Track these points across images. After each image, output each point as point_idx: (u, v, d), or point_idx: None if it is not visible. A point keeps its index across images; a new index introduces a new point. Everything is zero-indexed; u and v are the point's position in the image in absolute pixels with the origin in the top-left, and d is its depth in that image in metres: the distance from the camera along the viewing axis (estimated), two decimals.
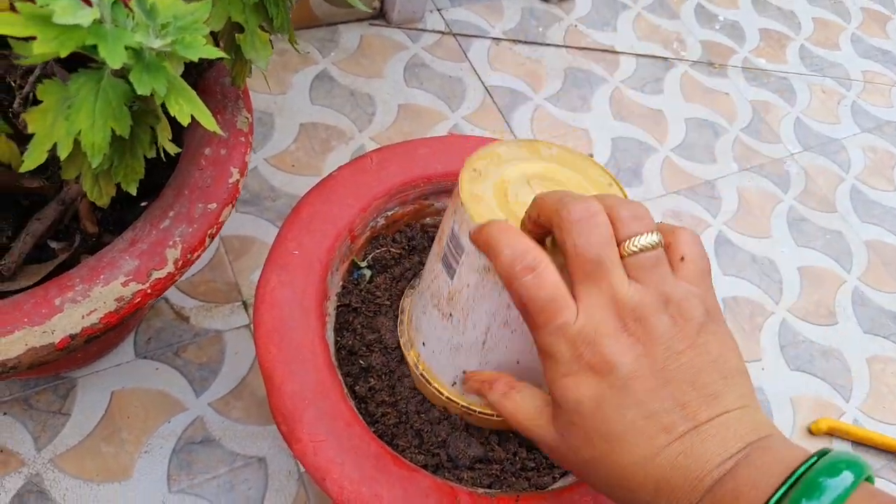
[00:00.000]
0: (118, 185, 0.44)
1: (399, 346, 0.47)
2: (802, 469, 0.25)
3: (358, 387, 0.45)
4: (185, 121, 0.30)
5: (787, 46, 1.05)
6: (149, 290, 0.38)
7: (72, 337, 0.36)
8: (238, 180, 0.43)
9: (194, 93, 0.31)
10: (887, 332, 0.77)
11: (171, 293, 0.62)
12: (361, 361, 0.46)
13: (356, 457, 0.37)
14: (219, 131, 0.32)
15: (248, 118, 0.45)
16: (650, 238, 0.28)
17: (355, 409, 0.40)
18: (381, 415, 0.44)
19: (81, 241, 0.45)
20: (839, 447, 0.62)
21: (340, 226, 0.46)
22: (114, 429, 0.55)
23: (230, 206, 0.42)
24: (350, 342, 0.46)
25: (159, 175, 0.44)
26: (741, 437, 0.27)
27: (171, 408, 0.57)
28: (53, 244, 0.44)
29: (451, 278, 0.37)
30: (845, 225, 0.86)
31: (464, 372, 0.40)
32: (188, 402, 0.57)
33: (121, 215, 0.47)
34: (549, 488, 0.41)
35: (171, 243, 0.39)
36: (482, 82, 0.87)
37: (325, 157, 0.74)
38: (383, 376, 0.46)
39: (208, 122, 0.31)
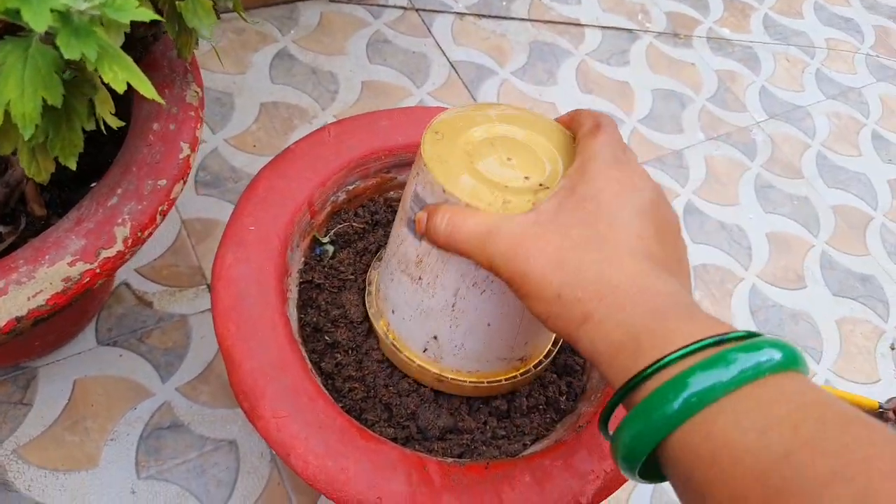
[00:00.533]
0: (64, 166, 0.43)
1: (365, 321, 0.46)
2: (731, 337, 0.25)
3: (324, 363, 0.44)
4: (120, 88, 0.29)
5: (750, 16, 1.05)
6: (97, 270, 0.36)
7: (18, 319, 0.34)
8: (189, 155, 0.42)
9: (130, 60, 0.30)
10: (855, 293, 0.78)
11: (133, 278, 0.61)
12: (327, 337, 0.45)
13: (321, 431, 0.36)
14: (158, 99, 0.30)
15: (198, 92, 0.44)
16: None
17: (320, 385, 0.40)
18: (348, 390, 0.43)
19: (28, 224, 0.43)
20: None
21: (298, 200, 0.45)
22: (78, 417, 0.54)
23: (181, 182, 0.41)
24: (314, 319, 0.45)
25: (109, 154, 0.42)
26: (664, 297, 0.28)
27: (137, 394, 0.56)
28: (0, 228, 0.43)
29: (419, 241, 0.36)
30: (812, 190, 0.87)
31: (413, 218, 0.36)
32: (154, 388, 0.56)
33: (70, 197, 0.45)
34: (520, 455, 0.41)
35: (119, 221, 0.38)
36: (447, 58, 0.85)
37: (287, 136, 0.73)
38: (350, 351, 0.45)
39: (146, 89, 0.30)
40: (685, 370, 0.25)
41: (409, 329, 0.41)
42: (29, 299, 0.35)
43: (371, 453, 0.36)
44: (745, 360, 0.24)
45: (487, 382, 0.42)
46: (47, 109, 0.30)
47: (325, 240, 0.48)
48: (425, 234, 0.34)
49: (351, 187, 0.49)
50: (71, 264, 0.36)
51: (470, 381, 0.41)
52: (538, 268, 0.29)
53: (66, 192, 0.46)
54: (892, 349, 0.74)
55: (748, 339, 0.25)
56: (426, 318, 0.39)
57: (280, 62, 0.79)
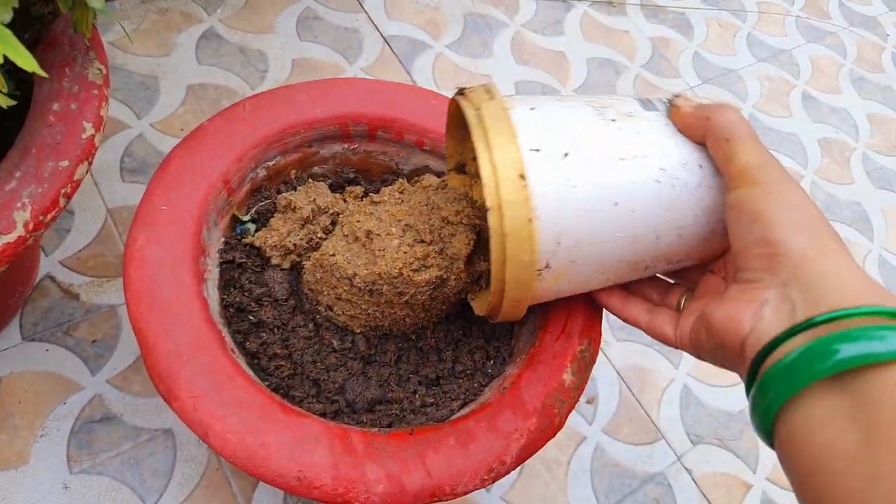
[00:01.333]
0: None
1: (291, 297, 0.46)
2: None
3: (248, 343, 0.43)
4: None
5: None
6: None
7: None
8: (93, 135, 0.40)
9: (8, 32, 0.29)
10: None
11: (58, 270, 0.59)
12: (251, 317, 0.44)
13: (239, 409, 0.36)
14: (39, 72, 0.29)
15: (101, 70, 0.43)
16: None
17: (240, 363, 0.39)
18: (274, 368, 0.43)
19: None
20: None
21: (213, 178, 0.44)
22: (4, 415, 0.52)
23: (85, 162, 0.40)
24: (238, 299, 0.45)
25: (11, 139, 0.41)
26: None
27: (66, 388, 0.54)
28: None
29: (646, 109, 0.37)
30: None
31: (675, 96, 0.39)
32: (84, 381, 0.55)
33: None
34: (446, 420, 0.41)
35: (18, 205, 0.36)
36: (380, 32, 0.84)
37: None
38: (275, 329, 0.44)
39: (25, 61, 0.29)
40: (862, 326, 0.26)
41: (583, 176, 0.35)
42: None
43: (292, 427, 0.36)
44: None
45: None
46: None
47: (246, 218, 0.47)
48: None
49: (271, 163, 0.48)
50: None
51: None
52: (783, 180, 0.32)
53: None
54: None
55: None
56: (616, 169, 0.35)
57: (206, 42, 0.77)
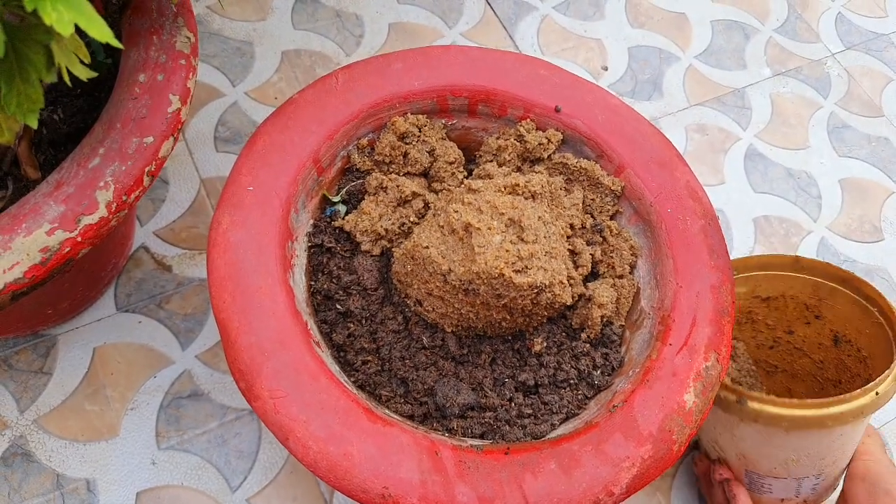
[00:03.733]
0: (54, 122, 0.40)
1: (380, 287, 0.42)
2: None
3: (335, 334, 0.40)
4: (65, 30, 0.25)
5: None
6: (79, 239, 0.33)
7: None
8: (179, 109, 0.38)
9: None
10: None
11: (152, 241, 0.59)
12: (338, 306, 0.41)
13: (322, 412, 0.33)
14: (114, 42, 0.26)
15: (189, 38, 0.40)
16: None
17: (325, 360, 0.36)
18: (361, 363, 0.40)
19: (22, 188, 0.40)
20: None
21: (303, 156, 0.41)
22: (97, 386, 0.53)
23: (171, 138, 0.37)
24: (325, 286, 0.42)
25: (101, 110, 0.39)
26: None
27: (157, 362, 0.54)
28: None
29: None
30: (893, 130, 0.77)
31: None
32: (174, 356, 0.54)
33: (65, 158, 0.42)
34: (546, 437, 0.37)
35: (101, 184, 0.34)
36: None
37: None
38: (363, 321, 0.41)
39: (99, 31, 0.26)
40: None
41: None
42: (5, 272, 0.32)
43: (378, 437, 0.33)
44: None
45: None
46: None
47: (337, 199, 0.44)
48: None
49: (364, 140, 0.45)
50: (49, 233, 0.33)
51: None
52: None
53: (61, 152, 0.43)
54: None
55: None
56: None
57: (302, 6, 0.74)
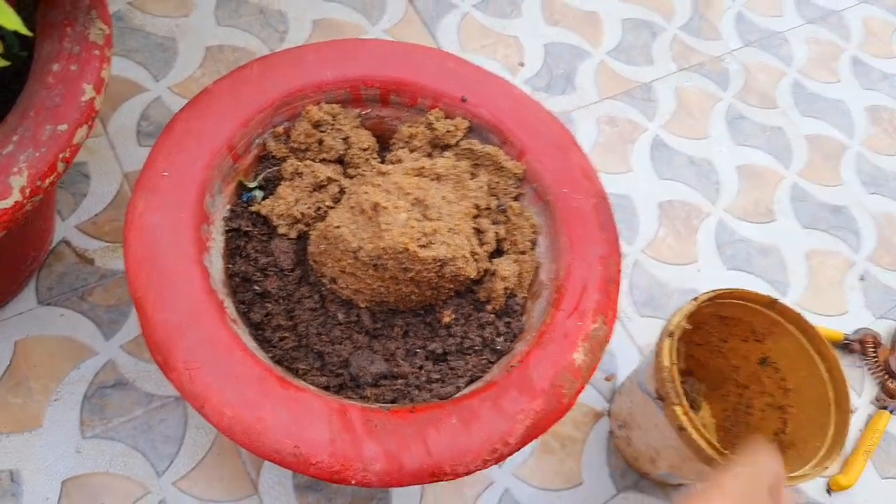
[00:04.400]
0: None
1: (296, 268, 0.44)
2: None
3: (252, 313, 0.42)
4: None
5: None
6: None
7: None
8: (93, 98, 0.39)
9: None
10: (826, 225, 0.76)
11: (73, 235, 0.59)
12: (256, 287, 0.43)
13: (237, 381, 0.35)
14: (22, 29, 0.28)
15: (103, 30, 0.41)
16: None
17: (241, 335, 0.38)
18: (278, 339, 0.42)
19: None
20: None
21: (218, 142, 0.42)
22: (20, 378, 0.53)
23: (85, 126, 0.38)
24: (243, 268, 0.44)
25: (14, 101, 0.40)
26: None
27: (80, 353, 0.54)
28: None
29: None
30: (786, 120, 0.84)
31: None
32: (97, 347, 0.55)
33: None
34: (451, 398, 0.40)
35: (15, 170, 0.35)
36: None
37: None
38: (280, 300, 0.43)
39: (7, 19, 0.27)
40: None
41: None
42: None
43: (290, 402, 0.35)
44: None
45: None
46: None
47: (254, 184, 0.46)
48: None
49: (280, 128, 0.47)
50: None
51: None
52: None
53: None
54: (862, 280, 0.73)
55: None
56: None
57: (226, 3, 0.75)
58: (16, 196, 0.35)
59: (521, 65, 0.80)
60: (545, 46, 0.82)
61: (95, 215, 0.60)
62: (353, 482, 0.34)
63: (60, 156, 0.37)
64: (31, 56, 0.41)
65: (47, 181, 0.37)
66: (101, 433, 0.52)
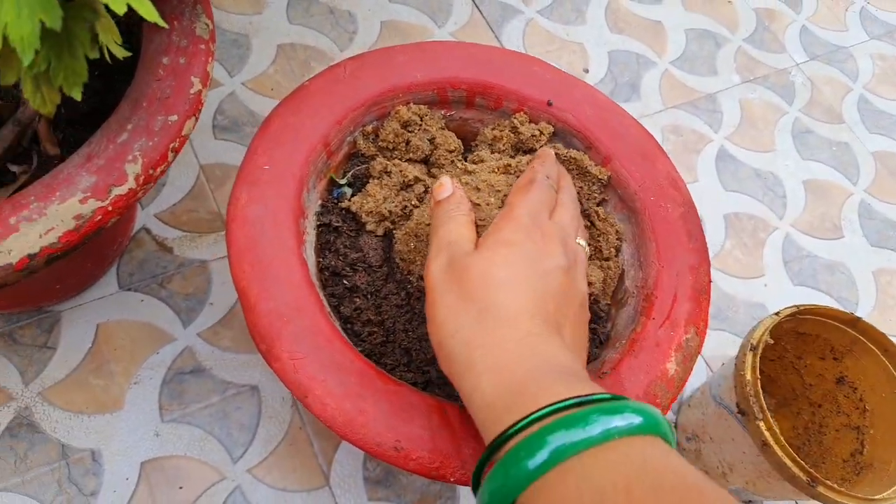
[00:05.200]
0: (75, 104, 0.41)
1: (384, 264, 0.45)
2: (595, 398, 0.27)
3: (343, 307, 0.43)
4: (119, 9, 0.27)
5: None
6: (109, 208, 0.36)
7: (30, 257, 0.34)
8: (200, 91, 0.40)
9: None
10: (894, 244, 0.75)
11: (153, 223, 0.60)
12: (345, 282, 0.44)
13: (338, 373, 0.36)
14: (160, 22, 0.29)
15: (208, 25, 0.42)
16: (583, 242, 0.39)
17: (338, 327, 0.39)
18: (367, 334, 0.43)
19: (42, 163, 0.42)
20: None
21: (314, 139, 0.43)
22: (102, 361, 0.54)
23: (193, 117, 0.39)
24: (333, 262, 0.44)
25: (120, 93, 0.41)
26: (566, 357, 0.31)
27: (159, 339, 0.56)
28: (13, 167, 0.42)
29: None
30: (852, 136, 0.82)
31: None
32: (176, 333, 0.56)
33: (82, 136, 0.44)
34: None
35: (130, 158, 0.37)
36: None
37: (305, 79, 0.71)
38: (368, 296, 0.44)
39: (147, 11, 0.28)
40: (544, 427, 0.26)
41: None
42: (41, 236, 0.34)
43: (390, 395, 0.36)
44: (603, 422, 0.25)
45: None
46: (47, 34, 0.28)
47: (343, 181, 0.47)
48: None
49: (369, 127, 0.47)
50: (82, 202, 0.35)
51: None
52: (445, 304, 0.33)
53: (79, 131, 0.45)
54: None
55: (611, 402, 0.27)
56: None
57: (297, 2, 0.76)
58: (131, 183, 0.36)
59: (586, 71, 0.80)
60: (609, 54, 0.82)
61: (174, 205, 0.62)
62: (452, 479, 0.34)
63: (171, 146, 0.38)
64: (130, 48, 0.43)
65: (159, 169, 0.38)
66: (179, 418, 0.53)
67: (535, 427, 0.26)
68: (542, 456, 0.25)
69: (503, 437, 0.27)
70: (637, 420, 0.26)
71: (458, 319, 0.32)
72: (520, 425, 0.27)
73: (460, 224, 0.36)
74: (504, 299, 0.32)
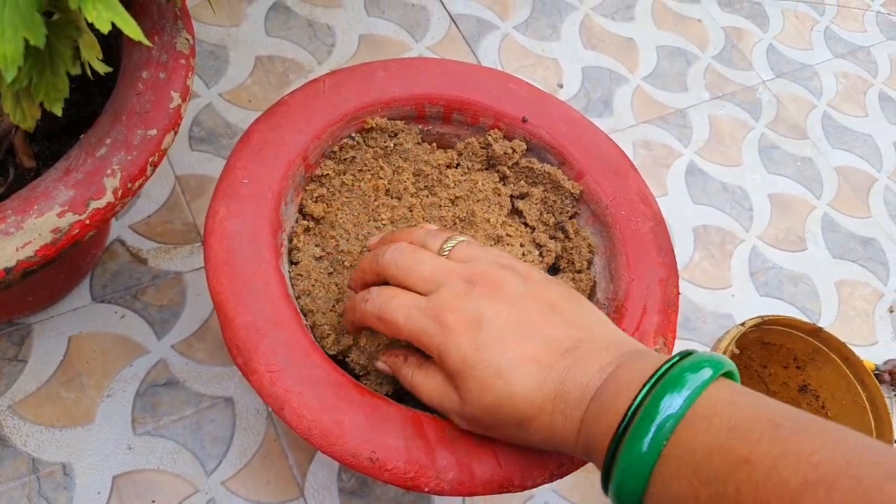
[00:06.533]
0: (53, 117, 0.41)
1: None
2: (667, 366, 0.29)
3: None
4: (104, 27, 0.27)
5: None
6: (87, 222, 0.36)
7: (6, 271, 0.34)
8: (180, 105, 0.40)
9: (115, 0, 0.29)
10: (855, 256, 0.78)
11: (127, 235, 0.60)
12: None
13: (315, 385, 0.36)
14: (145, 41, 0.29)
15: (188, 40, 0.43)
16: (456, 239, 0.37)
17: (315, 341, 0.39)
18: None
19: (17, 176, 0.42)
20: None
21: (293, 153, 0.44)
22: (73, 374, 0.54)
23: (173, 132, 0.40)
24: None
25: (98, 106, 0.41)
26: (612, 349, 0.31)
27: (132, 351, 0.55)
28: None
29: None
30: (816, 151, 0.85)
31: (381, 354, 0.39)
32: (150, 345, 0.56)
33: (59, 149, 0.44)
34: None
35: (108, 172, 0.37)
36: (447, 10, 0.83)
37: (283, 91, 0.71)
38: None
39: (131, 30, 0.28)
40: (651, 398, 0.27)
41: None
42: (17, 250, 0.34)
43: (367, 408, 0.36)
44: (695, 379, 0.27)
45: None
46: (30, 52, 0.28)
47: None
48: None
49: (347, 141, 0.48)
50: (60, 215, 0.35)
51: None
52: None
53: (55, 144, 0.45)
54: (891, 312, 0.74)
55: (686, 359, 0.29)
56: None
57: (275, 14, 0.77)
58: (109, 197, 0.37)
59: (560, 86, 0.82)
60: (583, 70, 0.84)
61: (148, 216, 0.62)
62: (427, 490, 0.35)
63: (150, 160, 0.38)
64: (109, 63, 0.43)
65: (137, 184, 0.38)
66: (153, 430, 0.53)
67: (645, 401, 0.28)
68: (658, 424, 0.27)
69: (623, 424, 0.28)
70: (709, 371, 0.28)
71: (507, 439, 0.35)
72: (634, 405, 0.28)
73: (426, 383, 0.36)
74: (520, 396, 0.32)
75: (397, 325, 0.34)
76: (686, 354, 0.29)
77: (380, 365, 0.39)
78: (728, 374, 0.29)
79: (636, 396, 0.28)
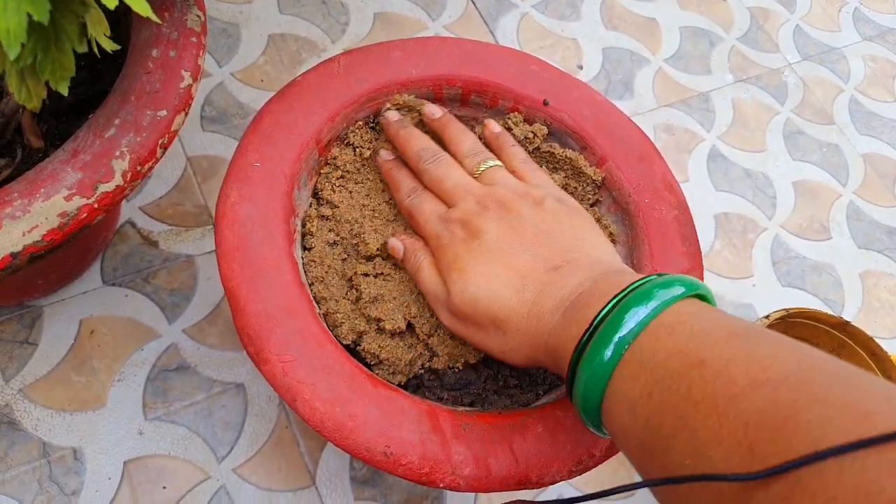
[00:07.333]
0: (61, 96, 0.40)
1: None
2: (641, 283, 0.30)
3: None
4: (111, 3, 0.26)
5: None
6: (95, 205, 0.35)
7: (13, 255, 0.33)
8: (191, 85, 0.39)
9: None
10: (881, 246, 0.76)
11: (138, 217, 0.59)
12: None
13: (328, 376, 0.35)
14: (153, 17, 0.28)
15: (199, 16, 0.41)
16: (488, 163, 0.41)
17: (328, 329, 0.38)
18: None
19: (25, 156, 0.41)
20: None
21: (306, 136, 0.42)
22: (84, 357, 0.53)
23: (183, 112, 0.38)
24: None
25: (107, 85, 0.40)
26: (595, 268, 0.33)
27: (144, 335, 0.55)
28: None
29: None
30: (842, 137, 0.83)
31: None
32: (161, 329, 0.55)
33: (67, 129, 0.43)
34: (532, 405, 0.39)
35: (117, 154, 0.36)
36: None
37: (296, 70, 0.70)
38: None
39: (140, 5, 0.27)
40: (619, 308, 0.29)
41: None
42: (24, 234, 0.33)
43: (381, 400, 0.35)
44: (663, 295, 0.29)
45: None
46: (34, 28, 0.27)
47: None
48: None
49: (362, 123, 0.46)
50: (67, 199, 0.34)
51: None
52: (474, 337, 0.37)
53: (63, 124, 0.44)
54: None
55: (659, 277, 0.30)
56: None
57: None
58: (118, 180, 0.35)
59: (580, 67, 0.80)
60: (603, 51, 0.82)
61: (159, 198, 0.61)
62: (442, 485, 0.34)
63: (160, 141, 0.37)
64: (118, 40, 0.41)
65: (147, 166, 0.37)
66: (164, 416, 0.52)
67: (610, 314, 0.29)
68: (621, 333, 0.28)
69: (589, 330, 0.30)
70: (680, 289, 0.29)
71: (485, 343, 0.35)
72: (602, 312, 0.29)
73: (426, 271, 0.38)
74: (497, 296, 0.34)
75: (419, 224, 0.40)
76: (662, 275, 0.31)
77: (393, 241, 0.41)
78: (702, 298, 0.30)
79: (604, 307, 0.29)
